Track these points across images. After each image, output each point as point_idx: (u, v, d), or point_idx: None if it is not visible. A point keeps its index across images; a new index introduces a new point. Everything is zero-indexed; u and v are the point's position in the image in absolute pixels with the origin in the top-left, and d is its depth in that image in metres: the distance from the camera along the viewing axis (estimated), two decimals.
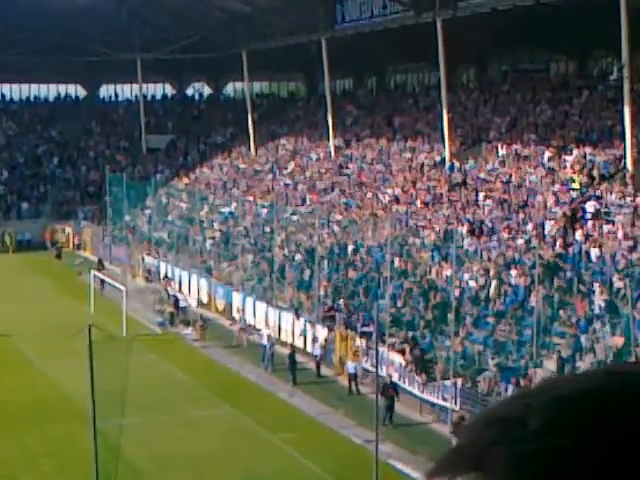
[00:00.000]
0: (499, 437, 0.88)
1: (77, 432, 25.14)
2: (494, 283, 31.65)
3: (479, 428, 0.90)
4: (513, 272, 31.61)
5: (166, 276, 47.99)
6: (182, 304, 42.69)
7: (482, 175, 41.81)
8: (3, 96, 77.15)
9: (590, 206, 34.27)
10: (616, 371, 0.92)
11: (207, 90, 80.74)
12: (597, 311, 27.93)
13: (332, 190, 49.37)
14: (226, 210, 53.25)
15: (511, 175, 39.98)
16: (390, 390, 28.31)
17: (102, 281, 46.03)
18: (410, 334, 31.37)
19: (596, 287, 28.68)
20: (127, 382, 25.83)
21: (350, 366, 31.63)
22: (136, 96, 74.49)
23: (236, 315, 40.10)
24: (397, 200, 43.71)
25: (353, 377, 31.36)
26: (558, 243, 32.36)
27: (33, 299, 45.53)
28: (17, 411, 29.19)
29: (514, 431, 0.88)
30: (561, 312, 28.64)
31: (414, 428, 27.93)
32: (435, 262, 35.33)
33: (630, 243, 30.20)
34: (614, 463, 0.84)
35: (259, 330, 37.57)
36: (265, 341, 34.97)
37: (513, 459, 0.86)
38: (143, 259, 51.99)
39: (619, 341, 26.10)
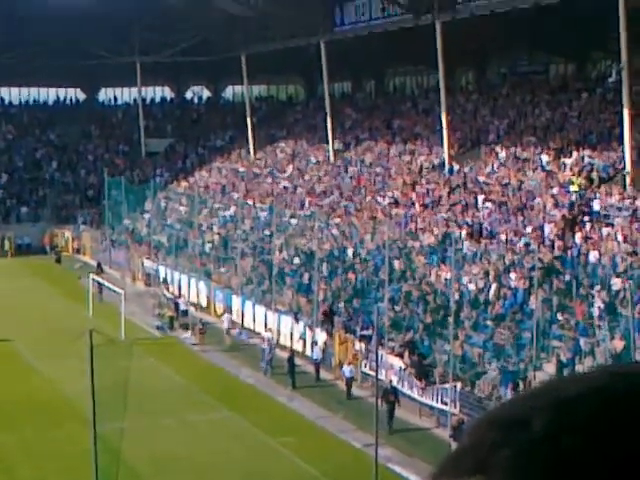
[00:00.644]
0: (503, 439, 0.87)
1: (78, 435, 25.23)
2: (494, 286, 31.72)
3: (482, 430, 0.90)
4: (512, 275, 31.69)
5: (165, 280, 48.09)
6: (182, 307, 42.76)
7: (481, 178, 41.89)
8: (2, 99, 77.24)
9: (589, 209, 34.37)
10: (618, 372, 0.92)
11: (206, 93, 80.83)
12: (596, 314, 27.98)
13: (331, 193, 49.47)
14: (225, 214, 53.33)
15: (510, 178, 40.07)
16: (390, 395, 28.32)
17: (100, 285, 46.06)
18: (409, 337, 31.43)
19: (595, 290, 28.75)
20: (127, 386, 25.90)
21: (346, 370, 31.66)
22: (135, 100, 74.63)
23: (225, 316, 40.36)
24: (396, 203, 43.81)
25: (349, 381, 31.39)
26: (557, 246, 32.45)
27: (33, 303, 45.61)
28: (18, 414, 29.25)
29: (518, 433, 0.87)
30: (560, 315, 28.69)
31: (413, 432, 27.97)
32: (434, 265, 35.40)
33: (629, 246, 30.27)
34: (622, 465, 0.84)
35: (256, 332, 37.66)
36: (265, 344, 35.08)
37: (518, 462, 0.85)
38: (142, 263, 52.08)
39: (619, 345, 26.17)
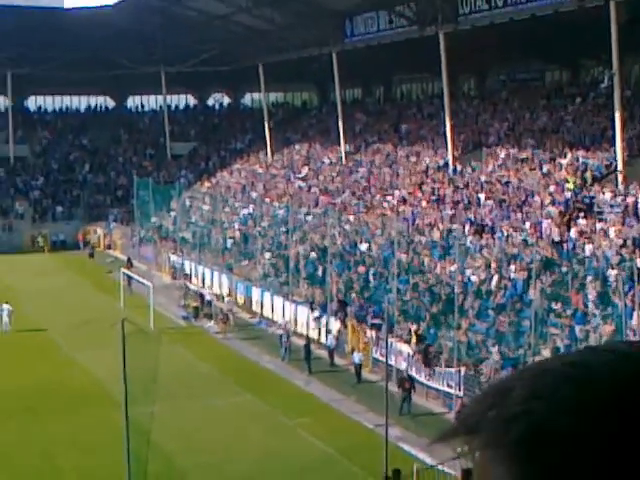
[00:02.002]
0: (490, 405, 0.95)
1: (109, 418, 25.29)
2: (495, 278, 31.64)
3: (478, 399, 0.97)
4: (512, 267, 31.60)
5: (188, 274, 48.33)
6: (207, 298, 42.83)
7: (483, 177, 41.79)
8: (39, 107, 77.55)
9: (584, 206, 34.27)
10: (600, 348, 0.98)
11: (226, 100, 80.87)
12: (590, 303, 27.90)
13: (343, 192, 49.41)
14: (245, 212, 53.35)
15: (510, 177, 39.96)
16: (406, 382, 28.21)
17: (129, 278, 46.20)
18: (416, 326, 31.36)
19: (589, 280, 28.66)
20: (156, 372, 25.95)
21: (356, 356, 31.67)
22: (161, 106, 74.73)
23: (226, 299, 40.60)
24: (404, 201, 43.73)
25: (358, 367, 31.39)
26: (554, 240, 32.35)
27: (67, 295, 45.76)
28: (55, 398, 29.36)
29: (502, 399, 0.94)
30: (557, 305, 28.60)
31: (422, 413, 27.90)
32: (439, 259, 35.32)
33: (621, 240, 30.16)
34: (579, 426, 0.90)
35: (275, 321, 37.69)
36: (281, 330, 35.16)
37: (497, 422, 0.93)
38: (169, 258, 52.16)
39: (609, 329, 26.09)
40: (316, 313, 36.23)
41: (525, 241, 32.85)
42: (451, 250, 34.32)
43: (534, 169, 39.62)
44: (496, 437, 0.93)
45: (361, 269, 37.75)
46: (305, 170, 56.80)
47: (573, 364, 0.95)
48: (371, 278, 36.80)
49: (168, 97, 73.42)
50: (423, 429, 25.51)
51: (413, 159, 49.46)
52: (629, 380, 0.92)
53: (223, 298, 41.95)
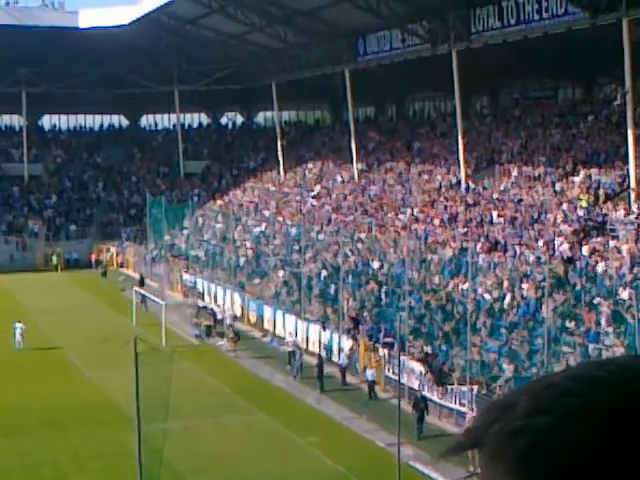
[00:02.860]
0: (495, 419, 0.97)
1: (122, 435, 25.34)
2: (508, 296, 31.59)
3: (483, 413, 1.00)
4: (525, 286, 31.55)
5: (199, 291, 48.53)
6: (219, 316, 42.91)
7: (495, 195, 41.80)
8: (53, 126, 78.06)
9: (596, 224, 34.22)
10: (603, 362, 0.99)
11: (240, 119, 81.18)
12: (603, 321, 27.82)
13: (356, 210, 49.48)
14: (257, 230, 53.48)
15: (522, 195, 39.95)
16: (421, 404, 28.14)
17: (142, 296, 46.35)
18: (429, 346, 31.32)
19: (602, 299, 28.59)
20: (169, 390, 25.99)
21: (369, 373, 31.70)
22: (174, 125, 75.10)
23: (227, 313, 40.89)
24: (416, 219, 43.76)
25: (371, 384, 31.40)
26: (566, 258, 32.29)
27: (80, 313, 45.91)
28: (67, 416, 29.45)
29: (506, 413, 0.96)
30: (570, 323, 28.53)
31: (434, 432, 27.86)
32: (452, 277, 35.29)
33: (635, 258, 30.09)
34: (582, 438, 0.92)
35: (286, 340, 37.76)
36: (291, 347, 35.18)
37: (501, 436, 0.95)
38: (181, 276, 52.29)
39: (621, 348, 26.00)
40: (325, 338, 36.14)
41: (538, 259, 32.80)
42: (463, 268, 34.29)
43: (547, 187, 39.60)
44: (500, 450, 0.94)
45: (373, 287, 37.73)
46: (318, 188, 56.90)
47: (576, 378, 0.96)
48: (383, 296, 36.80)
49: (181, 116, 73.82)
50: (435, 448, 25.47)
51: (426, 177, 49.50)
52: (632, 391, 0.93)
53: (225, 312, 42.14)
